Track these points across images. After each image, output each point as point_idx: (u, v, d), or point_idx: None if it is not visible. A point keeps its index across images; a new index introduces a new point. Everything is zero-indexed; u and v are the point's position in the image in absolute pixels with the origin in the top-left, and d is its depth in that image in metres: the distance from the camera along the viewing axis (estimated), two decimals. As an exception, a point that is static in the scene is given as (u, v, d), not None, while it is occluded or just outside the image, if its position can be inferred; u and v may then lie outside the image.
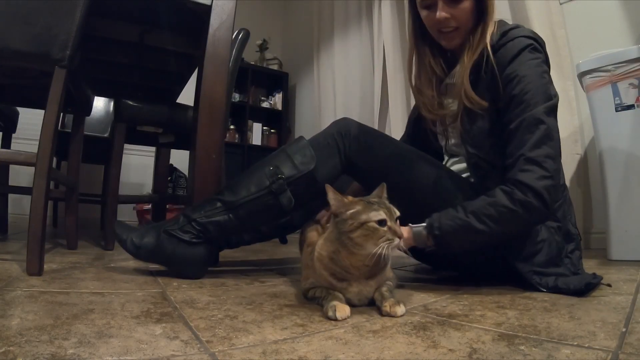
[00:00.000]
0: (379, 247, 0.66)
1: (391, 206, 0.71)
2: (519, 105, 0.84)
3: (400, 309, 0.66)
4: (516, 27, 0.92)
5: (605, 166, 1.40)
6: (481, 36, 0.91)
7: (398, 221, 0.70)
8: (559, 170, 0.85)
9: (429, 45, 1.02)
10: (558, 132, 0.85)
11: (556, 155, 0.83)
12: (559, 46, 1.86)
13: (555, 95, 0.87)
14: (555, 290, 0.83)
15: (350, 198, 0.72)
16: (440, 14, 0.91)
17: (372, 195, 0.77)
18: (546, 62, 0.90)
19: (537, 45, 0.88)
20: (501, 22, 0.95)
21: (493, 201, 0.82)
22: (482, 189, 0.88)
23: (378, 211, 0.68)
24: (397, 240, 0.67)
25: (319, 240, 0.79)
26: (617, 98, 1.36)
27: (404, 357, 0.48)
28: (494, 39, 0.90)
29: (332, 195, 0.71)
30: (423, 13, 0.96)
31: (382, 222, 0.67)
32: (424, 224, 0.85)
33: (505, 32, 0.91)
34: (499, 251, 0.88)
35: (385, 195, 0.76)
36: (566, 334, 0.55)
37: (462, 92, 0.91)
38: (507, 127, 0.85)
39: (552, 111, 0.85)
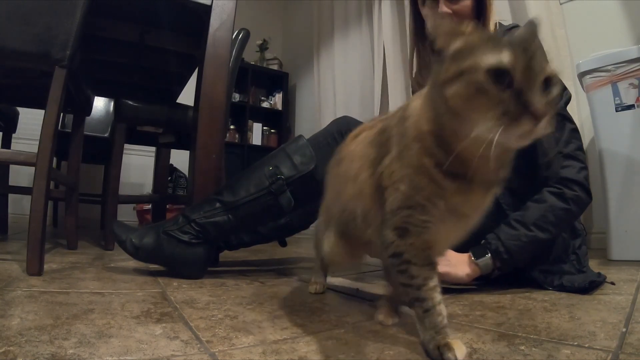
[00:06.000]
0: (489, 130, 0.36)
1: (538, 53, 0.38)
2: None
3: None
4: (516, 26, 0.95)
5: (605, 166, 1.40)
6: None
7: (549, 88, 0.38)
8: (586, 159, 0.91)
9: (430, 43, 1.04)
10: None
11: (582, 146, 0.89)
12: (559, 46, 1.86)
13: (567, 89, 0.91)
14: (560, 288, 0.83)
15: (468, 26, 0.42)
16: (442, 8, 0.93)
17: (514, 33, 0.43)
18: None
19: None
20: (499, 23, 0.98)
21: (549, 206, 0.84)
22: None
23: (499, 52, 0.37)
24: (530, 126, 0.35)
25: (412, 101, 0.48)
26: (617, 98, 1.36)
27: (404, 357, 0.48)
28: None
29: (428, 13, 0.50)
30: (423, 11, 0.98)
31: (500, 76, 0.36)
32: (487, 255, 0.83)
33: (505, 32, 0.93)
34: None
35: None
36: (566, 334, 0.55)
37: None
38: None
39: (567, 104, 0.91)
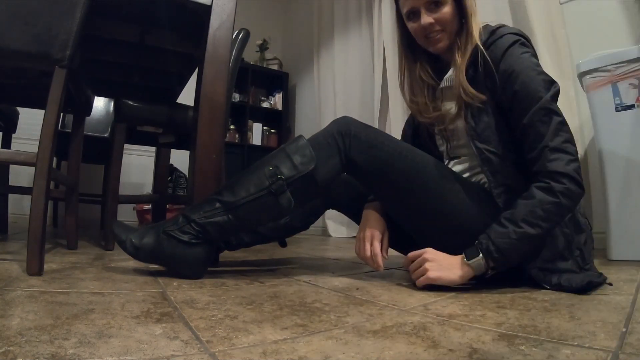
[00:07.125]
0: None
1: None
2: (525, 99, 0.87)
3: None
4: (502, 26, 0.97)
5: (605, 166, 1.40)
6: (467, 37, 0.94)
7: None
8: (577, 151, 0.87)
9: (418, 56, 1.06)
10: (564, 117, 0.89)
11: (572, 139, 0.86)
12: (559, 46, 1.86)
13: (555, 82, 0.89)
14: (558, 287, 0.83)
15: None
16: (425, 19, 0.95)
17: None
18: (534, 55, 0.94)
19: (524, 40, 0.93)
20: (486, 25, 0.99)
21: (537, 201, 0.82)
22: (494, 184, 0.89)
23: None
24: None
25: None
26: (617, 98, 1.36)
27: (404, 357, 0.48)
28: (482, 37, 0.94)
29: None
30: (409, 25, 1.00)
31: None
32: (479, 255, 0.83)
33: (493, 31, 0.95)
34: None
35: None
36: (566, 334, 0.55)
37: (460, 89, 0.93)
38: (519, 122, 0.87)
39: (556, 98, 0.88)
